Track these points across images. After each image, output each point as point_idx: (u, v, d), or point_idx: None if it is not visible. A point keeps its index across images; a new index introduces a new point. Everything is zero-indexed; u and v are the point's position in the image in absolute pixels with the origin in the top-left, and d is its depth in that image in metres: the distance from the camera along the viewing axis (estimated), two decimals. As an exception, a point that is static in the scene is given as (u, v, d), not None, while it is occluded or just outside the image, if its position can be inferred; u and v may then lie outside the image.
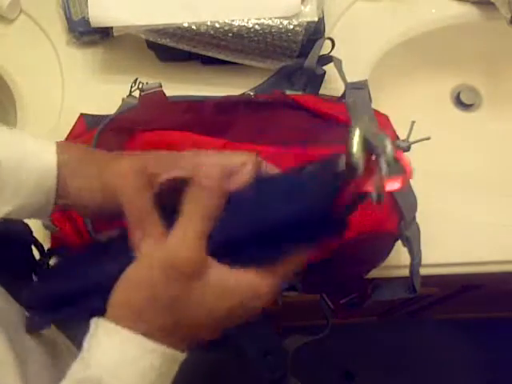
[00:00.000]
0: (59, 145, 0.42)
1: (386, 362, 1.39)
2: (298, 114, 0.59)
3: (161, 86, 0.61)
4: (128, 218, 0.37)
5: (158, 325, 0.35)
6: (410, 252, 0.56)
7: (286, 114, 0.59)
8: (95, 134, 0.58)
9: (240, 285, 0.35)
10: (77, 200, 0.41)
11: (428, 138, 0.53)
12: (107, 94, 0.65)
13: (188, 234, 0.35)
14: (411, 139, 0.54)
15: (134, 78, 0.63)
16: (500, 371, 1.39)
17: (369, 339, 1.40)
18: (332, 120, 0.57)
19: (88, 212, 0.42)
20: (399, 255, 0.58)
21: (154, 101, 0.60)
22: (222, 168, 0.38)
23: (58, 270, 0.46)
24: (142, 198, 0.37)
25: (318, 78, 0.69)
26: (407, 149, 0.53)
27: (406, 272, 0.57)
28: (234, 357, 0.58)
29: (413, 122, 0.53)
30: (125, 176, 0.38)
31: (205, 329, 0.37)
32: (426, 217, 0.58)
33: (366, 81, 0.60)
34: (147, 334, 0.34)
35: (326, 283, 0.58)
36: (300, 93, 0.67)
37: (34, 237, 0.48)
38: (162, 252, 0.35)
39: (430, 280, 0.62)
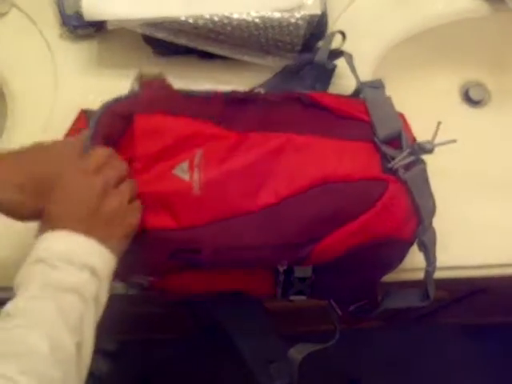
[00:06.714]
0: None
1: (391, 368, 1.36)
2: (315, 111, 0.55)
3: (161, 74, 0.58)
4: None
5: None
6: (426, 258, 0.53)
7: (302, 109, 0.55)
8: (92, 121, 0.55)
9: None
10: None
11: (454, 141, 0.51)
12: (101, 89, 0.63)
13: None
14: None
15: (130, 72, 0.60)
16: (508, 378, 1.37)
17: (373, 345, 1.38)
18: (351, 118, 0.54)
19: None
20: (411, 258, 0.56)
21: (155, 85, 0.57)
22: None
23: None
24: None
25: (328, 73, 0.67)
26: (431, 150, 0.51)
27: (417, 275, 0.55)
28: (238, 364, 0.56)
29: (439, 123, 0.51)
30: None
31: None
32: (434, 218, 0.55)
33: (381, 80, 0.59)
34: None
35: (337, 288, 0.55)
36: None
37: None
38: None
39: (439, 284, 0.60)
